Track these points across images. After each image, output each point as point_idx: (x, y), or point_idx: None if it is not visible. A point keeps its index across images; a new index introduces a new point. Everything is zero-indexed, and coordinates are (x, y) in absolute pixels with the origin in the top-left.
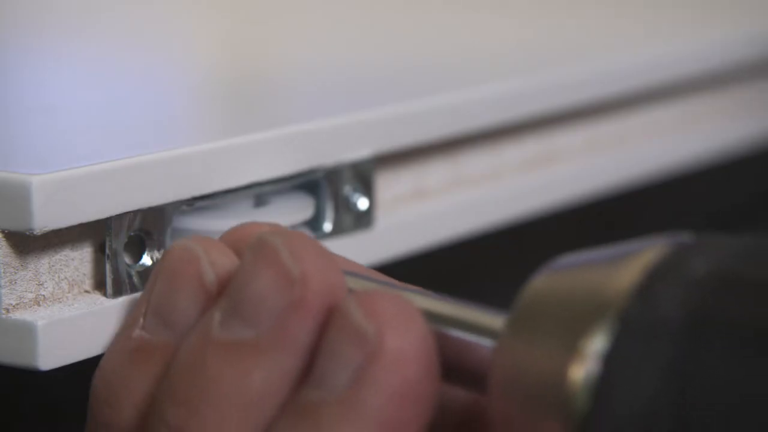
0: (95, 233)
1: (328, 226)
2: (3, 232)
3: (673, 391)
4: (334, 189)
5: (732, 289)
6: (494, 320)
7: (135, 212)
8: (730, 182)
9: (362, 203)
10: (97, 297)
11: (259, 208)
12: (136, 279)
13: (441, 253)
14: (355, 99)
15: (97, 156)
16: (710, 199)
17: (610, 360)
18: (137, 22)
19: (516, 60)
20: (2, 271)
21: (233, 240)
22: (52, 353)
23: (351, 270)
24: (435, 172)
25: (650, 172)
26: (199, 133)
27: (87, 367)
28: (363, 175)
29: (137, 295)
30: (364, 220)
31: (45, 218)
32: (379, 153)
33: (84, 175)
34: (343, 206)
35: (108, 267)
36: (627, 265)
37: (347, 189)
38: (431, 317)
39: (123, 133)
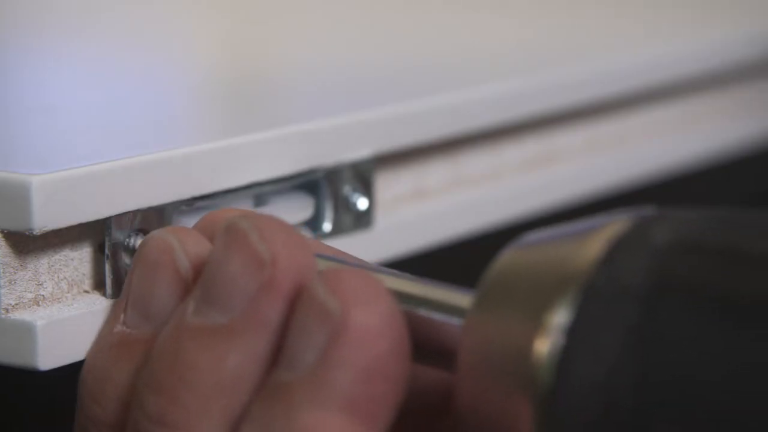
0: (95, 233)
1: (327, 226)
2: (3, 232)
3: (635, 361)
4: (333, 189)
5: (693, 257)
6: (462, 298)
7: (135, 212)
8: (730, 182)
9: (362, 203)
10: (97, 297)
11: (259, 209)
12: None
13: (441, 253)
14: (355, 99)
15: (97, 156)
16: (710, 199)
17: (574, 332)
18: (137, 22)
19: (516, 60)
20: (2, 271)
21: (207, 227)
22: (52, 353)
23: (324, 253)
24: (435, 172)
25: (650, 172)
26: (199, 133)
27: None
28: (363, 175)
29: None
30: (363, 220)
31: (45, 218)
32: (379, 153)
33: (84, 175)
34: (343, 206)
35: (107, 267)
36: (591, 239)
37: (347, 189)
38: (401, 297)
39: (123, 133)
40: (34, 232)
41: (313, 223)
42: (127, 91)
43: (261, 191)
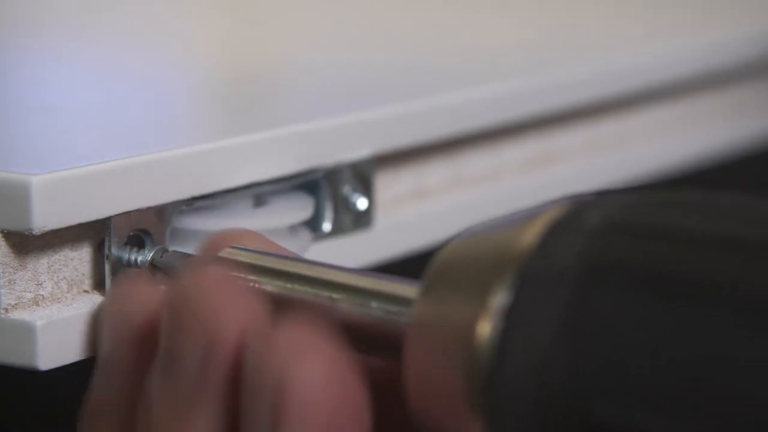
0: (94, 233)
1: (327, 226)
2: (2, 232)
3: (567, 341)
4: (333, 189)
5: (623, 238)
6: (408, 289)
7: (134, 212)
8: (730, 182)
9: (362, 203)
10: (96, 297)
11: (259, 208)
12: None
13: None
14: (355, 99)
15: (97, 156)
16: None
17: (512, 314)
18: (137, 22)
19: (516, 60)
20: (1, 271)
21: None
22: (51, 353)
23: (268, 249)
24: (435, 172)
25: (650, 172)
26: (199, 133)
27: (86, 367)
28: (363, 175)
29: None
30: (363, 220)
31: (44, 218)
32: (379, 153)
33: (84, 175)
34: (343, 206)
35: (107, 267)
36: (529, 224)
37: (347, 189)
38: (350, 292)
39: (123, 133)
40: (34, 232)
41: (313, 223)
42: (127, 91)
43: (261, 191)
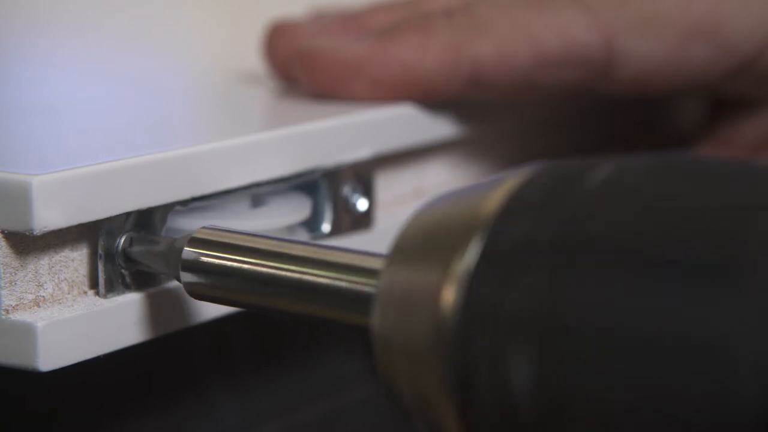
0: (95, 234)
1: (326, 227)
2: (3, 232)
3: (531, 302)
4: (333, 189)
5: (586, 201)
6: (376, 261)
7: (132, 213)
8: None
9: (362, 204)
10: (97, 298)
11: (257, 209)
12: (129, 279)
13: None
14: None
15: (97, 156)
16: None
17: (476, 279)
18: (137, 22)
19: None
20: (2, 271)
21: None
22: (52, 354)
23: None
24: (435, 172)
25: None
26: (198, 133)
27: (87, 368)
28: (362, 175)
29: (131, 295)
30: (363, 220)
31: (45, 218)
32: (379, 153)
33: (84, 175)
34: (343, 207)
35: (100, 267)
36: (493, 191)
37: (346, 189)
38: (319, 266)
39: (123, 133)
40: (34, 233)
41: (312, 223)
42: (127, 91)
43: (258, 192)
